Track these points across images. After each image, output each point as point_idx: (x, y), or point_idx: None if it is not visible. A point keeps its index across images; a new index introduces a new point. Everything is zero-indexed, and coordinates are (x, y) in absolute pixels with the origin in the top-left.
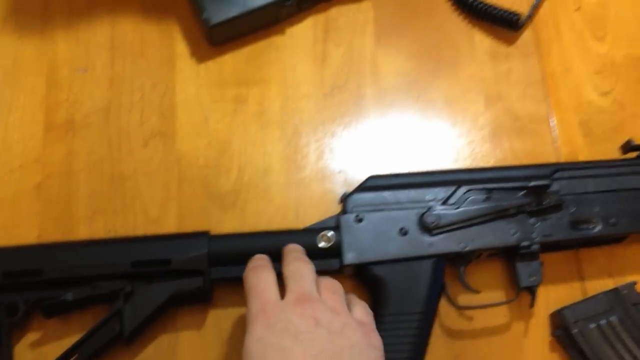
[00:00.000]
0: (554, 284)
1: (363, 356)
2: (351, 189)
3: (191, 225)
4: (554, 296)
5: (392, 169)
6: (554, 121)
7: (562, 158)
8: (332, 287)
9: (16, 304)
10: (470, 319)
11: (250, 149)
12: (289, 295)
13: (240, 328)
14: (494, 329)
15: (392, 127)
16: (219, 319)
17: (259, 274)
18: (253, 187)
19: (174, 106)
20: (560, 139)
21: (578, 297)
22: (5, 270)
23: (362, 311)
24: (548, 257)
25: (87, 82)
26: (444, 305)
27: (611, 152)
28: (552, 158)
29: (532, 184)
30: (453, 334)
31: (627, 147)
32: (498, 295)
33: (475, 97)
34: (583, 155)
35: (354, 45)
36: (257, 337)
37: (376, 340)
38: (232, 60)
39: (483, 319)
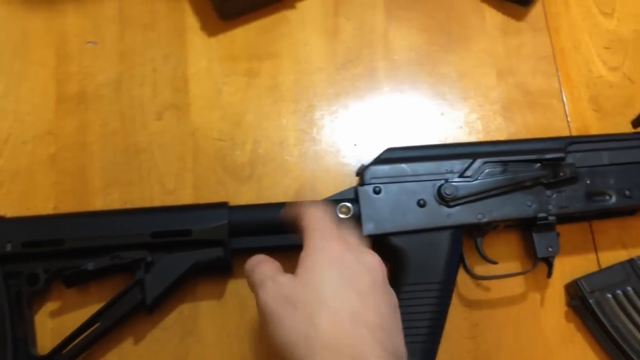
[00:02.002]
0: (569, 255)
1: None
2: (366, 161)
3: (207, 197)
4: (569, 267)
5: (406, 142)
6: (565, 96)
7: (574, 132)
8: None
9: (37, 274)
10: (488, 289)
11: (265, 122)
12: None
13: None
14: (511, 299)
15: (406, 101)
16: (239, 288)
17: (261, 268)
18: (269, 160)
19: (186, 79)
20: (571, 114)
21: (593, 268)
22: (26, 240)
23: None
24: (562, 229)
25: (98, 54)
26: (461, 276)
27: (622, 126)
28: (564, 132)
29: (548, 156)
30: (470, 304)
31: (638, 121)
32: (514, 266)
33: (487, 71)
34: (594, 130)
35: (365, 19)
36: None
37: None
38: (243, 34)
39: (500, 289)
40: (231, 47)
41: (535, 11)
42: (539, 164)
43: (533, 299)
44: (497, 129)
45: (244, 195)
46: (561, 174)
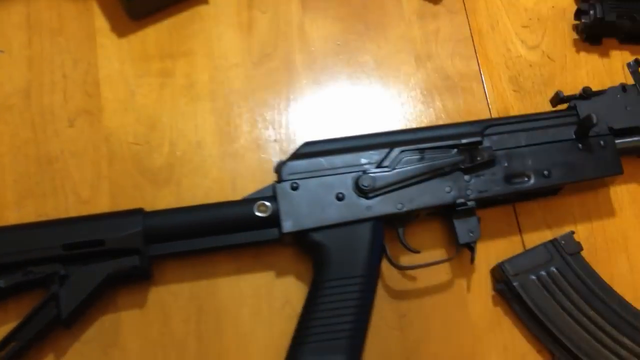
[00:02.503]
0: (494, 239)
1: None
2: (287, 157)
3: (125, 203)
4: (494, 251)
5: (327, 135)
6: (484, 78)
7: (495, 114)
8: None
9: None
10: (414, 279)
11: (181, 122)
12: None
13: (184, 302)
14: (437, 287)
15: (325, 92)
16: (161, 295)
17: None
18: (187, 162)
19: (97, 83)
20: (491, 95)
21: (518, 250)
22: None
23: None
24: (486, 213)
25: (5, 63)
26: (386, 267)
27: (542, 105)
28: (484, 115)
29: (464, 141)
30: (397, 295)
31: (556, 99)
32: (439, 253)
33: (406, 58)
34: (515, 110)
35: (280, 11)
36: None
37: None
38: (154, 33)
39: (426, 278)
40: (143, 47)
41: None
42: (456, 150)
43: (459, 286)
44: (418, 116)
45: (162, 199)
46: (478, 158)
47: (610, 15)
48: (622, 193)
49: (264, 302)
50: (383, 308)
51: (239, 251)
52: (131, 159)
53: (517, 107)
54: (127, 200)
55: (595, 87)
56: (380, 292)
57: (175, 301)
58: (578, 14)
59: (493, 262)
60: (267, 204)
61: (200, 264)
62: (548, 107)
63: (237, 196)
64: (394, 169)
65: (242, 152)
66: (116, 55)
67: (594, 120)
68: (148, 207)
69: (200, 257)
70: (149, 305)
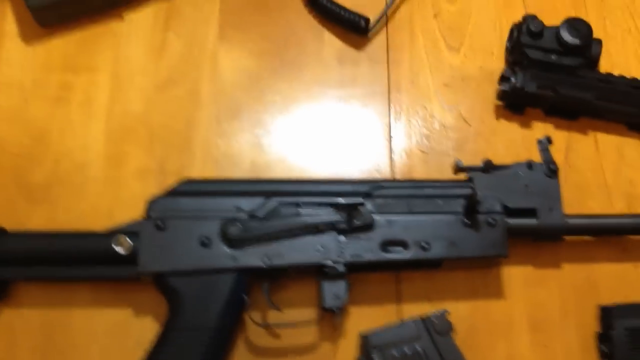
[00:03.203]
0: (370, 304)
1: None
2: (163, 192)
3: None
4: (367, 318)
5: (218, 175)
6: (393, 133)
7: (398, 172)
8: None
9: None
10: (278, 337)
11: (70, 140)
12: None
13: (33, 329)
14: (302, 348)
15: (223, 129)
16: (11, 318)
17: None
18: (68, 182)
19: None
20: (397, 153)
21: (392, 320)
22: None
23: None
24: (367, 276)
25: None
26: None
27: (448, 171)
28: (386, 172)
29: (343, 200)
30: (258, 352)
31: (456, 168)
32: (309, 313)
33: (316, 102)
34: (418, 172)
35: (196, 36)
36: None
37: None
38: (62, 44)
39: (292, 338)
40: (47, 57)
41: (378, 41)
42: (334, 208)
43: (325, 350)
44: (321, 165)
45: (34, 217)
46: (355, 221)
47: (530, 86)
48: (515, 275)
49: (117, 341)
50: None
51: (99, 282)
52: (11, 171)
53: (420, 169)
54: None
55: (510, 159)
56: (240, 347)
57: (24, 327)
58: (501, 79)
59: (364, 329)
60: (128, 239)
61: (57, 290)
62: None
63: (113, 225)
64: (267, 220)
65: (127, 180)
66: (18, 62)
67: (478, 199)
68: (16, 225)
69: (57, 283)
70: None
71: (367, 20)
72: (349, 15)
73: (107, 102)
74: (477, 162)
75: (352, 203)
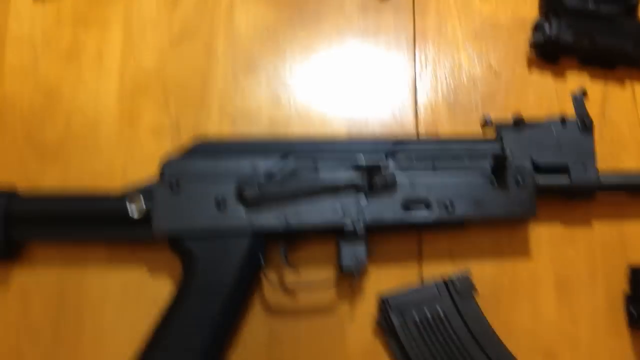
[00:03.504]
0: (389, 264)
1: None
2: (176, 152)
3: (5, 176)
4: (386, 278)
5: (234, 133)
6: (418, 86)
7: (422, 128)
8: None
9: None
10: (295, 298)
11: (82, 96)
12: None
13: (47, 288)
14: (319, 309)
15: (240, 85)
16: (24, 278)
17: None
18: (80, 139)
19: (3, 45)
20: (422, 107)
21: (413, 279)
22: None
23: None
24: (388, 235)
25: None
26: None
27: (475, 125)
28: (409, 126)
29: (365, 159)
30: (273, 312)
31: (484, 123)
32: (326, 273)
33: (337, 54)
34: (443, 126)
35: None
36: None
37: None
38: None
39: (308, 299)
40: (57, 11)
41: None
42: (354, 168)
43: (342, 312)
44: (341, 118)
45: (47, 176)
46: (377, 181)
47: (566, 35)
48: (541, 233)
49: (131, 299)
50: (254, 322)
51: (113, 242)
52: (22, 129)
53: (446, 123)
54: (8, 173)
55: (542, 113)
56: (256, 307)
57: (37, 285)
58: (536, 29)
59: (384, 290)
60: (142, 200)
61: (70, 250)
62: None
63: (126, 184)
64: (285, 180)
65: (141, 137)
66: (28, 18)
67: (507, 157)
68: (29, 183)
69: (71, 243)
70: (10, 286)
71: None
72: None
73: (119, 58)
74: (507, 116)
75: (373, 161)
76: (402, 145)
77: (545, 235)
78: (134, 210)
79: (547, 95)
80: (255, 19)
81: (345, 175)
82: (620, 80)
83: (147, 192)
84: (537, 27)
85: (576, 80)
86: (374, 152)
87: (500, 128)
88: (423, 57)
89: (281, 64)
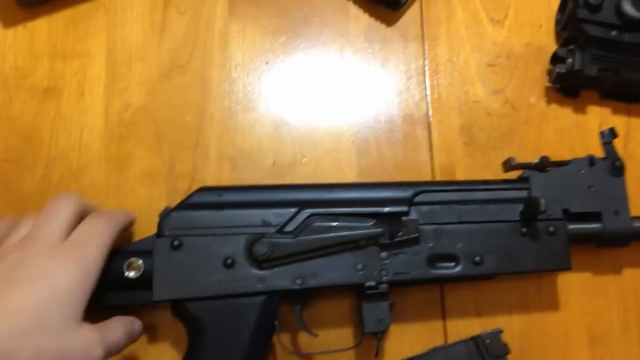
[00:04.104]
0: (411, 322)
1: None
2: (177, 203)
3: None
4: (409, 337)
5: (237, 179)
6: (432, 124)
7: (438, 170)
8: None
9: None
10: None
11: (63, 140)
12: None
13: None
14: None
15: (241, 120)
16: None
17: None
18: (63, 188)
19: None
20: (437, 147)
21: (438, 339)
22: None
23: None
24: (410, 289)
25: None
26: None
27: (495, 165)
28: (425, 170)
29: (387, 209)
30: None
31: (508, 165)
32: (345, 335)
33: (340, 88)
34: (462, 168)
35: (203, 13)
36: None
37: (66, 261)
38: (47, 26)
39: None
40: (31, 42)
41: (410, 16)
42: (375, 219)
43: None
44: (347, 163)
45: None
46: (400, 233)
47: (591, 69)
48: (571, 283)
49: None
50: None
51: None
52: None
53: (464, 164)
54: None
55: (563, 149)
56: None
57: None
58: (555, 59)
59: (407, 351)
60: (140, 262)
61: None
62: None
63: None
64: (299, 235)
65: (131, 184)
66: None
67: (542, 208)
68: None
69: None
70: None
71: None
72: None
73: (103, 94)
74: (527, 153)
75: (395, 212)
76: (423, 190)
77: (574, 285)
78: (131, 273)
79: (568, 131)
80: (252, 48)
81: (364, 227)
82: None
83: (144, 250)
84: (559, 59)
85: (597, 114)
86: (393, 200)
87: (527, 171)
88: (435, 91)
89: (282, 97)
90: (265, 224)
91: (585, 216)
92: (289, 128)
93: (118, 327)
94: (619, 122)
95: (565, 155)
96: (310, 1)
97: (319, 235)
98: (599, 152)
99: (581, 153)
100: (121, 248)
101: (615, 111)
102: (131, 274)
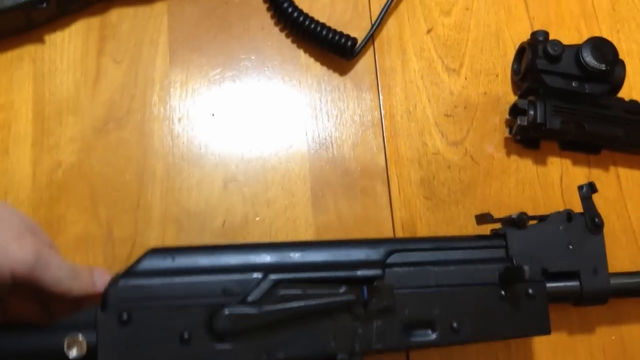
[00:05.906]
0: None
1: None
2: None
3: None
4: None
5: (184, 237)
6: (391, 178)
7: (399, 226)
8: None
9: None
10: None
11: None
12: None
13: None
14: None
15: (187, 177)
16: None
17: None
18: None
19: None
20: (397, 202)
21: None
22: None
23: None
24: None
25: None
26: None
27: (458, 219)
28: (386, 227)
29: (359, 274)
30: None
31: (483, 220)
32: None
33: (296, 139)
34: (423, 224)
35: (141, 62)
36: None
37: None
38: None
39: None
40: None
41: (364, 65)
42: (347, 286)
43: None
44: (305, 222)
45: None
46: (374, 300)
47: (554, 122)
48: (540, 343)
49: None
50: None
51: None
52: None
53: (426, 220)
54: None
55: (526, 202)
56: None
57: None
58: (514, 111)
59: None
60: (81, 339)
61: None
62: (465, 223)
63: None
64: (263, 305)
65: (64, 252)
66: None
67: (527, 276)
68: None
69: None
70: None
71: (354, 41)
72: (333, 36)
73: (30, 152)
74: (490, 207)
75: (367, 277)
76: (397, 250)
77: (544, 345)
78: (74, 355)
79: (530, 183)
80: (196, 99)
81: (335, 295)
82: (604, 165)
83: (87, 325)
84: (519, 110)
85: (558, 166)
86: (366, 263)
87: (504, 229)
88: (393, 143)
89: (231, 151)
90: (227, 292)
91: (563, 274)
92: (239, 185)
93: (72, 264)
94: (579, 173)
95: (528, 208)
96: (258, 48)
97: (287, 305)
98: (560, 204)
99: (544, 206)
100: (60, 323)
101: (576, 162)
102: (73, 354)
